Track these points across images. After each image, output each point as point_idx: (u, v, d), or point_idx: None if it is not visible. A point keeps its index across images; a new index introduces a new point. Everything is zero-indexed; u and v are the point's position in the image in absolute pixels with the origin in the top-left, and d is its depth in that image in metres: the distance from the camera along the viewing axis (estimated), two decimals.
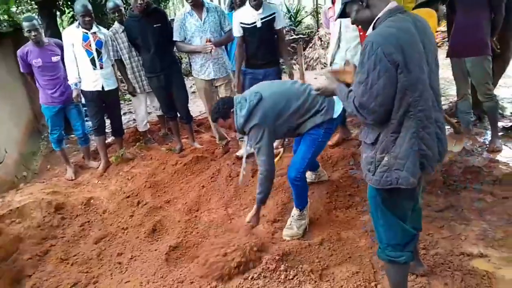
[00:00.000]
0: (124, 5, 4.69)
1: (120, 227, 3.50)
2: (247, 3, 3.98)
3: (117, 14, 4.58)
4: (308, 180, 3.20)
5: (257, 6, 3.88)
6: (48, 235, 3.45)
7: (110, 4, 4.56)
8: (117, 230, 3.47)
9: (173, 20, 4.45)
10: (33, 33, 4.09)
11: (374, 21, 1.79)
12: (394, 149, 1.76)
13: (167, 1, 8.90)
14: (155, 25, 4.21)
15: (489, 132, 4.29)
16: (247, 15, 3.94)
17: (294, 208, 3.04)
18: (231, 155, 4.32)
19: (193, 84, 4.33)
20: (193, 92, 7.88)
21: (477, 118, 4.57)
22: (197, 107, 6.26)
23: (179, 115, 4.73)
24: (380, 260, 2.14)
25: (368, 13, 1.82)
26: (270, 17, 3.95)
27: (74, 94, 4.24)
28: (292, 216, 3.04)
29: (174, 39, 4.20)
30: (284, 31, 4.03)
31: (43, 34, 4.24)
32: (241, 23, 3.97)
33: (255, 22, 3.92)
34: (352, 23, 1.95)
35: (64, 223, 3.63)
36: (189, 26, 4.10)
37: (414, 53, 1.68)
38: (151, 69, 4.40)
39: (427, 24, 1.84)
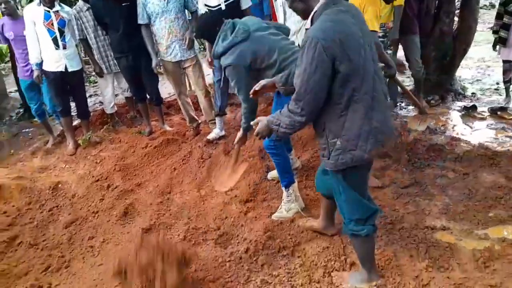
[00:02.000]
0: None
1: (90, 211, 3.44)
2: None
3: None
4: None
5: None
6: (15, 221, 3.36)
7: None
8: (87, 214, 3.41)
9: None
10: (3, 5, 4.03)
11: (312, 14, 1.85)
12: (344, 131, 1.84)
13: None
14: (123, 4, 4.06)
15: (451, 112, 4.49)
16: None
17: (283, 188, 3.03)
18: (202, 137, 4.29)
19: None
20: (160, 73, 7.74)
21: (439, 98, 4.74)
22: (166, 88, 6.14)
23: (148, 96, 4.64)
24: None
25: (303, 5, 1.89)
26: None
27: (35, 74, 4.09)
28: (282, 199, 3.03)
29: (139, 22, 4.03)
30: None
31: (15, 6, 4.07)
32: (205, 5, 3.82)
33: (219, 5, 3.76)
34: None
35: (32, 207, 3.54)
36: (152, 7, 3.93)
37: (353, 42, 1.75)
38: (119, 49, 4.26)
39: (360, 11, 1.97)
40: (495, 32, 4.35)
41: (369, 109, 1.82)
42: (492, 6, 11.69)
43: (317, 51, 1.69)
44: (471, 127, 4.10)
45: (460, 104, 4.66)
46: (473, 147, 3.63)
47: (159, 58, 4.19)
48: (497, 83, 5.24)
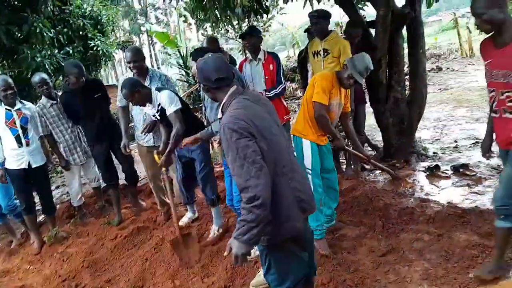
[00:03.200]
0: (51, 78, 4.63)
1: None
2: None
3: (44, 87, 4.40)
4: None
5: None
6: None
7: (36, 79, 4.40)
8: None
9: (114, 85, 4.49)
10: None
11: (221, 105, 2.04)
12: (277, 205, 1.87)
13: (99, 70, 8.86)
14: (95, 96, 4.23)
15: (416, 173, 4.62)
16: (148, 109, 3.62)
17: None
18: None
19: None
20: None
21: (404, 161, 4.90)
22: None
23: (122, 182, 4.60)
24: None
25: (213, 96, 2.12)
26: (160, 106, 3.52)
27: None
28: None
29: (117, 104, 4.19)
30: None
31: None
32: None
33: (155, 115, 3.61)
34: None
35: None
36: None
37: (263, 123, 1.92)
38: (96, 137, 4.36)
39: (267, 100, 2.23)
40: None
41: (290, 180, 1.95)
42: (439, 69, 12.69)
43: (238, 133, 1.80)
44: (437, 187, 4.21)
45: (423, 164, 4.82)
46: (443, 207, 3.70)
47: (127, 140, 4.16)
48: (455, 141, 5.51)
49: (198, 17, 4.24)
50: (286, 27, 22.67)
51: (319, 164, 3.24)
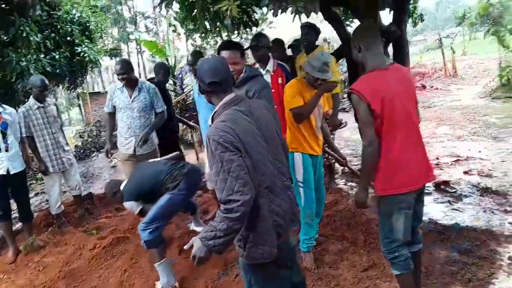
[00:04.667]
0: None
1: None
2: None
3: (45, 92, 4.49)
4: None
5: None
6: None
7: (38, 82, 4.38)
8: None
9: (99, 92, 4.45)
10: None
11: (212, 114, 1.98)
12: (256, 225, 1.87)
13: (85, 76, 8.77)
14: None
15: None
16: None
17: None
18: None
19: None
20: (113, 167, 7.61)
21: None
22: None
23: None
24: None
25: (209, 99, 2.03)
26: None
27: None
28: None
29: (104, 109, 4.32)
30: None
31: None
32: None
33: None
34: None
35: None
36: (117, 101, 4.13)
37: (250, 139, 1.84)
38: None
39: (265, 107, 2.07)
40: None
41: (271, 203, 1.89)
42: (424, 87, 12.93)
43: (223, 146, 1.76)
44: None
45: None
46: (424, 223, 3.72)
47: (109, 146, 4.37)
48: (437, 158, 5.58)
49: (188, 27, 4.24)
50: None
51: (312, 176, 3.25)
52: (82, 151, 10.23)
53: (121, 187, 3.33)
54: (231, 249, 3.11)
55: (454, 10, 20.04)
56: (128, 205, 3.27)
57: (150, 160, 3.69)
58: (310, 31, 4.19)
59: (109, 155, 4.39)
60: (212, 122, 1.95)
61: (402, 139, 2.33)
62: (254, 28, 5.42)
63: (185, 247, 1.95)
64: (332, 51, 4.85)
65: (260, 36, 3.83)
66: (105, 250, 3.92)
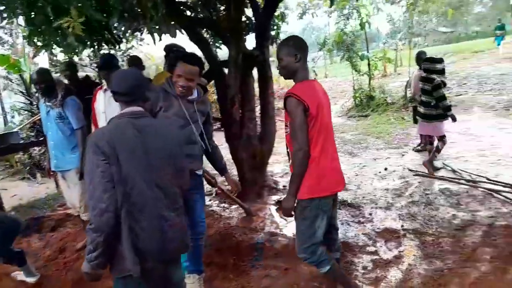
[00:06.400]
0: None
1: None
2: None
3: None
4: None
5: None
6: None
7: None
8: None
9: None
10: None
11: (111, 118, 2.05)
12: (122, 238, 1.85)
13: None
14: None
15: (267, 207, 4.80)
16: None
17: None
18: None
19: None
20: None
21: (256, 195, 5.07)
22: None
23: None
24: None
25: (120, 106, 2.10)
26: None
27: None
28: None
29: None
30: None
31: None
32: None
33: None
34: None
35: None
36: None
37: (126, 151, 1.86)
38: None
39: (164, 129, 2.08)
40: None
41: (135, 222, 1.85)
42: None
43: (93, 149, 1.81)
44: (286, 220, 4.42)
45: (274, 198, 5.06)
46: (289, 240, 3.87)
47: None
48: None
49: (35, 43, 3.76)
50: (149, 58, 22.32)
51: None
52: None
53: None
54: None
55: (317, 36, 22.11)
56: None
57: None
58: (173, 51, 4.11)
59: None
60: None
61: (326, 146, 2.54)
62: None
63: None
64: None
65: (110, 56, 3.87)
66: None
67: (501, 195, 4.44)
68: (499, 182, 4.77)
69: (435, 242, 3.62)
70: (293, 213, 2.64)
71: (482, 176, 5.04)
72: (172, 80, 2.78)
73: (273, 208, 4.72)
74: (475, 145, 6.63)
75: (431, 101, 5.44)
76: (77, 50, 4.42)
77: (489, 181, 4.84)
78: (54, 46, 3.79)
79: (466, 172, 5.33)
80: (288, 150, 2.66)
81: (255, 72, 5.22)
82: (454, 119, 5.45)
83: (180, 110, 2.78)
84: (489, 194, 4.53)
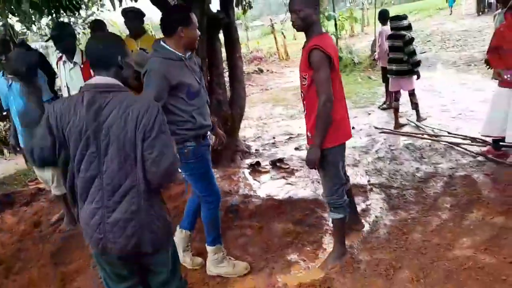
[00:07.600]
0: None
1: None
2: None
3: None
4: None
5: None
6: None
7: None
8: None
9: None
10: None
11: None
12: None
13: None
14: None
15: (241, 171, 4.89)
16: None
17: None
18: None
19: None
20: None
21: (230, 159, 5.14)
22: None
23: None
24: None
25: None
26: None
27: None
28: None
29: None
30: None
31: None
32: None
33: None
34: None
35: None
36: None
37: (72, 128, 1.72)
38: None
39: (128, 110, 1.70)
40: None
41: (80, 200, 1.82)
42: (261, 71, 13.82)
43: (46, 116, 1.79)
44: (259, 182, 4.55)
45: (247, 161, 5.15)
46: (263, 200, 4.01)
47: None
48: (274, 137, 6.05)
49: None
50: (112, 25, 21.43)
51: None
52: None
53: None
54: None
55: None
56: None
57: None
58: (135, 15, 3.97)
59: None
60: None
61: (339, 96, 2.66)
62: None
63: None
64: None
65: (63, 25, 3.63)
66: None
67: (461, 147, 4.69)
68: (459, 135, 5.04)
69: (399, 194, 3.83)
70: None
71: (443, 131, 5.29)
72: (167, 42, 2.50)
73: (247, 172, 4.82)
74: (437, 101, 6.89)
75: (402, 57, 5.51)
76: (34, 19, 4.23)
77: (450, 135, 5.09)
78: (10, 16, 3.61)
79: (429, 127, 5.57)
80: (305, 102, 2.74)
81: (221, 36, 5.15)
82: (418, 76, 5.61)
83: (196, 73, 2.63)
84: (450, 147, 4.78)
